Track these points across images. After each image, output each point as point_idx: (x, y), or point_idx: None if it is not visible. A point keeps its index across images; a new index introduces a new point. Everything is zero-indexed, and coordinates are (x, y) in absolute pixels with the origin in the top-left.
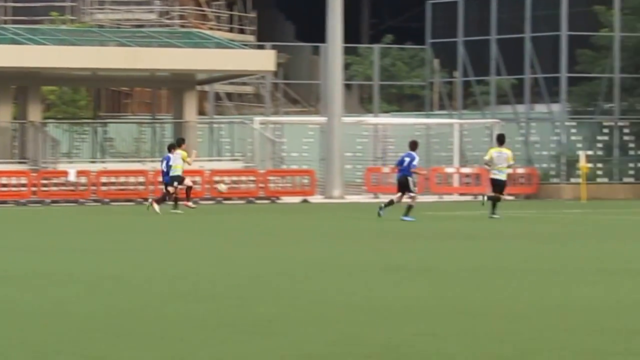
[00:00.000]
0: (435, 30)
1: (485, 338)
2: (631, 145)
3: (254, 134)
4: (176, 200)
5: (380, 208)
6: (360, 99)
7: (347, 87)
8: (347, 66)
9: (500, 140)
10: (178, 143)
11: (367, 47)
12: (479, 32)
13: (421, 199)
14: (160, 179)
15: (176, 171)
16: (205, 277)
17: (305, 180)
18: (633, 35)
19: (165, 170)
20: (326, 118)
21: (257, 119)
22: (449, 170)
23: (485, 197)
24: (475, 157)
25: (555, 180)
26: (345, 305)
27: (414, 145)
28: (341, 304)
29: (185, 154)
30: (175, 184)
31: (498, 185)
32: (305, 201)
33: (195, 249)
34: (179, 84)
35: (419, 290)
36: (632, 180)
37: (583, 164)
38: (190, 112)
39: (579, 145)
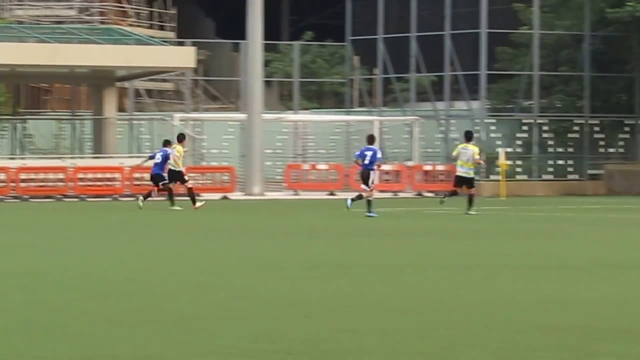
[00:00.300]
0: (355, 27)
1: (405, 334)
2: (550, 142)
3: (174, 131)
4: (171, 196)
5: (353, 200)
6: (280, 96)
7: (267, 84)
8: (267, 63)
9: (468, 136)
10: (179, 139)
11: (287, 44)
12: (398, 29)
13: (340, 195)
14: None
15: (177, 167)
16: (127, 274)
17: (225, 177)
18: (552, 33)
19: (158, 163)
20: (246, 115)
21: (177, 115)
22: None
23: (444, 196)
24: (395, 154)
25: (475, 177)
26: (267, 301)
27: (372, 140)
28: (263, 300)
29: (181, 150)
30: (178, 182)
31: (466, 182)
32: (225, 198)
33: (116, 245)
34: (99, 80)
35: (339, 287)
36: (551, 177)
37: (502, 161)
38: (110, 108)
39: (499, 142)
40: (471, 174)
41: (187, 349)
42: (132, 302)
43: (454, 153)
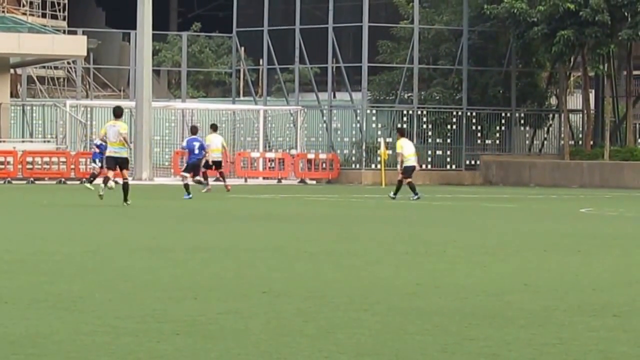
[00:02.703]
0: (241, 19)
1: (288, 316)
2: (429, 133)
3: (65, 117)
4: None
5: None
6: (169, 85)
7: (156, 72)
8: (156, 52)
9: (401, 132)
10: (214, 127)
11: (175, 35)
12: (283, 22)
13: (226, 182)
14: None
15: (216, 155)
16: (16, 255)
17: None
18: (431, 28)
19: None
20: (135, 102)
21: (69, 102)
22: (254, 155)
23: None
24: (279, 143)
25: (356, 166)
26: (153, 283)
27: (195, 130)
28: (149, 282)
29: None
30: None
31: (411, 170)
32: (115, 182)
33: (3, 227)
34: None
35: (223, 270)
36: (429, 167)
37: (383, 150)
38: (3, 94)
39: (379, 132)
40: (414, 163)
41: (76, 328)
42: (18, 282)
43: (398, 150)
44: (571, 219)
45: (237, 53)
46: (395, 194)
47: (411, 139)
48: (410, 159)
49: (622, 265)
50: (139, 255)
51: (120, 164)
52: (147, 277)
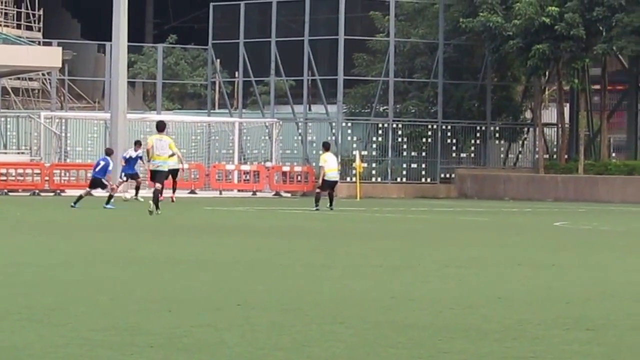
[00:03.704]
0: (217, 31)
1: (263, 329)
2: (404, 146)
3: (39, 129)
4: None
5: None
6: (144, 97)
7: (131, 84)
8: (131, 64)
9: (326, 147)
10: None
11: (151, 46)
12: (259, 34)
13: (201, 194)
14: None
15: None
16: None
17: (90, 175)
18: (407, 41)
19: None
20: (110, 114)
21: (43, 113)
22: (229, 167)
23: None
24: (254, 155)
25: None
26: (127, 295)
27: (109, 152)
28: (123, 294)
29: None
30: None
31: (332, 184)
32: (89, 194)
33: None
34: None
35: (198, 282)
36: (404, 180)
37: (358, 163)
38: None
39: (355, 145)
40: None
41: (50, 341)
42: None
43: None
44: (545, 232)
45: (212, 65)
46: (316, 205)
47: (386, 152)
48: (331, 174)
49: (596, 279)
50: (113, 268)
51: (160, 176)
52: (122, 289)
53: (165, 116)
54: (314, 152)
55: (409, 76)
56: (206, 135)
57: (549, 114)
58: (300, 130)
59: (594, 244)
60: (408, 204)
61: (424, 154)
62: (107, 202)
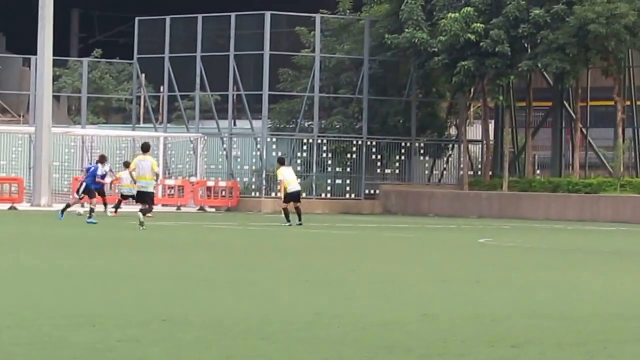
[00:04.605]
0: (142, 46)
1: (188, 344)
2: (329, 162)
3: None
4: None
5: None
6: (69, 111)
7: (56, 98)
8: (56, 78)
9: (281, 161)
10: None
11: (76, 60)
12: (185, 49)
13: (125, 208)
14: None
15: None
16: None
17: (14, 188)
18: (332, 57)
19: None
20: (35, 128)
21: None
22: None
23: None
24: (179, 170)
25: (256, 194)
26: (52, 309)
27: (101, 159)
28: (47, 308)
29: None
30: None
31: (296, 195)
32: (12, 208)
33: None
34: None
35: (122, 297)
36: (329, 195)
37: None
38: None
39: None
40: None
41: None
42: None
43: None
44: (470, 249)
45: (137, 79)
46: (287, 220)
47: (311, 168)
48: (291, 186)
49: (520, 296)
50: (37, 281)
51: (146, 197)
52: (46, 303)
53: (89, 130)
54: (239, 167)
55: (335, 92)
56: (131, 149)
57: (474, 131)
58: (225, 145)
59: (517, 262)
60: (332, 220)
61: (348, 169)
62: (89, 217)
